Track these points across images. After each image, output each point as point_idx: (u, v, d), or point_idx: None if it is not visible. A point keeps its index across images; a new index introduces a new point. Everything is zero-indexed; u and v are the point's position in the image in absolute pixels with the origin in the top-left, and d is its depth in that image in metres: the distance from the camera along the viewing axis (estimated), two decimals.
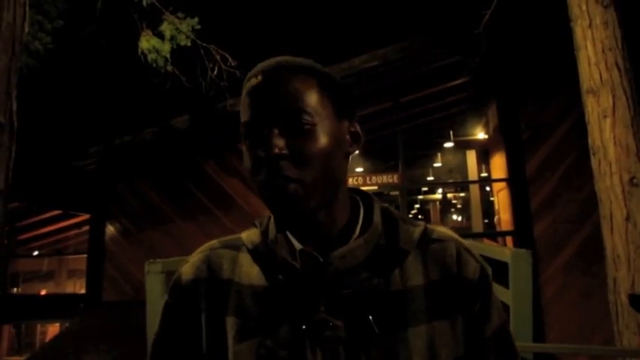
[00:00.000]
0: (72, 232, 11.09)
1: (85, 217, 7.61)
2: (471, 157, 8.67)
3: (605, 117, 2.72)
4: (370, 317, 0.63)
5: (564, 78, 4.54)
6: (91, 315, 5.96)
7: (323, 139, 0.63)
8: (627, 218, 2.64)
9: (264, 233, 0.72)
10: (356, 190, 0.75)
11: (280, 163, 0.61)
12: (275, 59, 0.68)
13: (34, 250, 12.29)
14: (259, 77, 0.65)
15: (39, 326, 12.92)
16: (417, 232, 0.71)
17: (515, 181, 5.52)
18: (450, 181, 10.74)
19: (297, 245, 0.67)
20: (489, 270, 0.74)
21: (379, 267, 0.66)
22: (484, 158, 8.62)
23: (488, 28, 4.14)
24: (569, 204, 5.13)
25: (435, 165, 10.82)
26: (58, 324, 9.86)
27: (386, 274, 0.66)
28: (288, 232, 0.69)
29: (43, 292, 11.98)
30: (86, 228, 7.79)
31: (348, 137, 0.69)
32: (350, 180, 6.84)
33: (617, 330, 2.70)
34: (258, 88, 0.65)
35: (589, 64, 2.80)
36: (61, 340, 5.56)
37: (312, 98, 0.64)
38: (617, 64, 2.72)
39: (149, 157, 6.11)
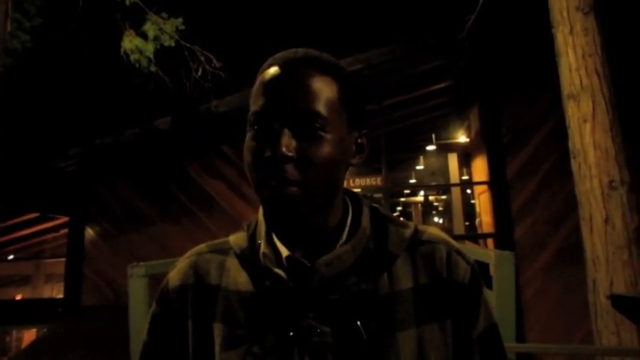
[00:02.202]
0: (50, 236, 10.82)
1: (64, 219, 7.44)
2: (453, 160, 8.77)
3: (585, 121, 2.78)
4: (358, 323, 0.62)
5: (544, 83, 4.62)
6: (70, 320, 5.83)
7: (331, 148, 0.61)
8: (606, 220, 2.69)
9: (252, 237, 0.71)
10: (346, 191, 0.73)
11: (286, 164, 0.59)
12: (302, 50, 0.66)
13: (10, 254, 11.97)
14: (281, 67, 0.63)
15: (14, 332, 12.58)
16: (407, 234, 0.70)
17: (496, 184, 5.60)
18: (433, 183, 10.84)
19: (284, 251, 0.66)
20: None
21: (367, 271, 0.65)
22: (465, 161, 8.73)
23: (471, 33, 4.20)
24: (549, 206, 5.22)
25: (418, 168, 10.92)
26: (34, 330, 9.60)
27: (374, 279, 0.65)
28: (275, 237, 0.68)
29: (18, 297, 11.66)
30: (64, 231, 7.61)
31: (353, 148, 0.68)
32: None
33: (596, 330, 2.75)
34: (278, 79, 0.62)
35: (570, 69, 2.85)
36: (37, 346, 5.43)
37: (331, 104, 0.63)
38: (596, 70, 2.78)
39: (131, 159, 6.02)
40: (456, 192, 9.06)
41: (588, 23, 2.81)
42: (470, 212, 9.70)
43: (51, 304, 7.81)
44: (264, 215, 0.70)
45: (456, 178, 8.84)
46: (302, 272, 0.64)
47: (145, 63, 4.41)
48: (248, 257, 0.69)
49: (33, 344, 5.79)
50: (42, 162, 5.88)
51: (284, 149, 0.59)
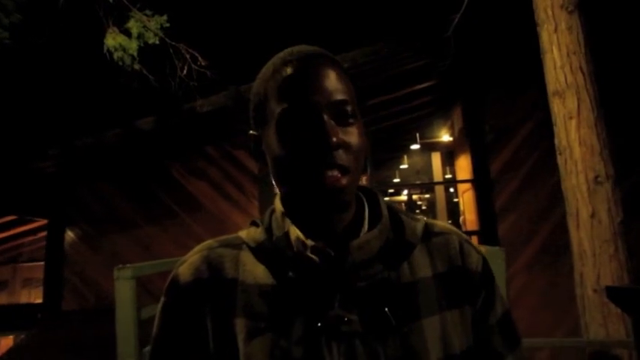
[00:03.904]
0: (27, 239, 10.57)
1: (42, 222, 7.26)
2: (436, 158, 8.85)
3: (570, 118, 2.83)
4: (386, 309, 0.62)
5: (527, 81, 4.72)
6: (50, 325, 5.69)
7: (361, 136, 0.65)
8: (592, 215, 2.75)
9: (268, 230, 0.70)
10: (359, 187, 0.76)
11: (337, 152, 0.61)
12: (311, 47, 0.68)
13: None
14: (308, 61, 0.65)
15: None
16: (420, 225, 0.72)
17: (480, 181, 5.67)
18: (417, 182, 10.93)
19: (309, 242, 0.65)
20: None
21: (390, 260, 0.66)
22: (449, 160, 8.82)
23: (456, 33, 4.24)
24: (532, 203, 5.30)
25: (402, 167, 10.99)
26: (11, 337, 9.35)
27: (396, 267, 0.66)
28: (295, 228, 0.67)
29: None
30: (43, 234, 7.44)
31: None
32: None
33: (584, 322, 2.81)
34: (306, 72, 0.64)
35: (555, 67, 2.91)
36: (15, 353, 5.28)
37: (353, 97, 0.66)
38: (581, 67, 2.84)
39: (112, 159, 5.90)
40: (439, 191, 9.14)
41: (572, 22, 2.87)
42: (453, 210, 9.81)
43: (29, 310, 7.61)
44: (301, 205, 0.68)
45: (440, 176, 8.92)
46: (330, 260, 0.64)
47: (128, 61, 4.32)
48: (267, 250, 0.68)
49: (10, 352, 5.62)
50: (20, 162, 5.72)
51: (334, 138, 0.61)
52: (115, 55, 4.28)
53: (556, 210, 4.72)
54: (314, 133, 0.62)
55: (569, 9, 2.87)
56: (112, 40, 4.19)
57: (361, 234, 0.67)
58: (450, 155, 8.58)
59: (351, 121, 0.64)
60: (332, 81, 0.64)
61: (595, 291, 2.71)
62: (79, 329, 4.94)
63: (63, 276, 5.99)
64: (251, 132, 0.73)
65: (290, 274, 0.65)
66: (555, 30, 2.90)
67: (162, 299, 0.70)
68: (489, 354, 0.69)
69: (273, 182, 0.73)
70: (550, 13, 2.93)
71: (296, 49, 0.68)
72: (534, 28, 3.10)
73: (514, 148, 5.46)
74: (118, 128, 5.34)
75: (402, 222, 0.71)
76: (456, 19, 4.00)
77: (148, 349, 2.50)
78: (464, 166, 6.88)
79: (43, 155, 5.47)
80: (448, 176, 9.77)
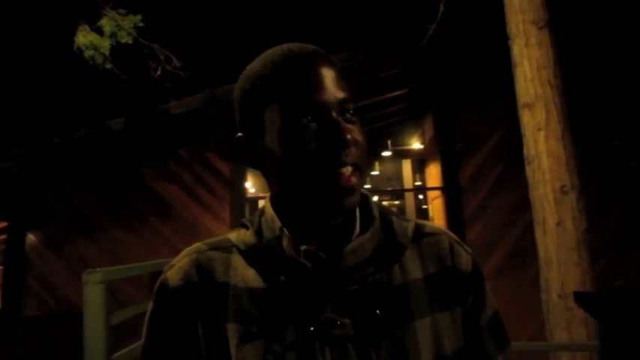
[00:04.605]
0: None
1: (2, 224, 6.96)
2: (407, 166, 9.00)
3: (539, 129, 2.94)
4: (378, 312, 0.63)
5: (496, 93, 4.86)
6: (11, 332, 5.45)
7: (363, 132, 0.66)
8: (558, 223, 2.85)
9: (258, 233, 0.69)
10: None
11: (349, 149, 0.61)
12: (308, 45, 0.68)
13: None
14: (307, 59, 0.64)
15: None
16: (410, 227, 0.72)
17: (450, 189, 5.79)
18: (389, 189, 11.06)
19: (301, 246, 0.65)
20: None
21: (381, 262, 0.66)
22: (419, 167, 8.97)
23: (429, 43, 4.34)
24: (499, 210, 5.45)
25: (373, 173, 11.12)
26: None
27: (387, 269, 0.66)
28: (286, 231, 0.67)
29: None
30: (2, 237, 7.12)
31: None
32: None
33: (549, 327, 2.90)
34: (312, 70, 0.63)
35: (525, 80, 3.01)
36: None
37: (351, 92, 0.66)
38: (549, 81, 2.95)
39: (80, 161, 5.72)
40: (409, 197, 9.28)
41: (542, 37, 2.98)
42: (423, 217, 9.97)
43: None
44: (305, 206, 0.66)
45: (410, 183, 9.07)
46: (323, 264, 0.64)
47: (100, 60, 4.20)
48: (258, 253, 0.67)
49: None
50: None
51: (348, 135, 0.61)
52: (86, 54, 4.15)
53: (523, 218, 4.87)
54: (329, 131, 0.61)
55: (540, 25, 2.99)
56: (83, 37, 4.07)
57: (353, 236, 0.67)
58: (420, 163, 8.73)
59: (354, 118, 0.65)
60: (335, 79, 0.64)
61: (560, 296, 2.81)
62: (42, 336, 4.75)
63: (24, 281, 5.76)
64: (239, 135, 0.70)
65: (282, 278, 0.64)
66: (526, 44, 3.01)
67: (151, 305, 0.68)
68: (480, 355, 0.70)
69: (266, 184, 0.72)
70: (521, 28, 3.03)
71: (293, 46, 0.66)
72: (505, 42, 3.20)
73: (483, 156, 5.60)
74: (88, 128, 5.19)
75: (392, 223, 0.71)
76: (431, 30, 4.09)
77: (117, 355, 2.44)
78: (434, 174, 7.01)
79: (6, 155, 5.26)
80: (418, 183, 9.94)
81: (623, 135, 4.92)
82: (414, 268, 0.68)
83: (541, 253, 2.95)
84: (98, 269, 2.41)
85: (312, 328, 0.61)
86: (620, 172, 4.92)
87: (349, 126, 0.63)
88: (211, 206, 5.66)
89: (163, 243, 5.58)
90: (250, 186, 7.54)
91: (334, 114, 0.62)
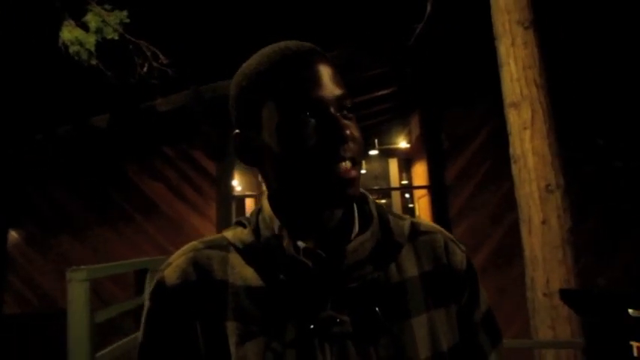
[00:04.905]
0: None
1: None
2: (393, 164, 9.04)
3: (525, 129, 2.97)
4: (377, 309, 0.63)
5: (482, 92, 4.90)
6: None
7: (359, 128, 0.67)
8: (544, 222, 2.89)
9: (256, 231, 0.69)
10: None
11: (347, 144, 0.62)
12: (305, 42, 0.68)
13: None
14: (306, 56, 0.65)
15: None
16: (407, 225, 0.73)
17: (436, 188, 5.83)
18: (376, 187, 11.12)
19: (300, 244, 0.65)
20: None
21: (379, 260, 0.67)
22: (406, 166, 9.03)
23: (416, 43, 4.36)
24: (484, 209, 5.51)
25: (361, 172, 11.16)
26: None
27: (384, 267, 0.67)
28: (285, 229, 0.67)
29: None
30: None
31: None
32: None
33: (534, 324, 2.94)
34: (311, 67, 0.64)
35: (511, 79, 3.04)
36: None
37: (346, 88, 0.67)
38: (535, 81, 2.98)
39: (64, 157, 5.62)
40: (395, 196, 9.33)
41: (528, 37, 3.01)
42: (409, 215, 10.02)
43: None
44: (304, 202, 0.67)
45: (397, 182, 9.11)
46: (322, 262, 0.64)
47: (85, 56, 4.13)
48: (256, 251, 0.67)
49: None
50: None
51: (347, 131, 0.62)
52: (71, 49, 4.08)
53: (508, 217, 4.92)
54: (328, 127, 0.62)
55: (525, 25, 3.02)
56: (68, 33, 4.00)
57: (352, 235, 0.67)
58: (407, 162, 8.78)
59: (351, 115, 0.66)
60: (333, 76, 0.65)
61: (545, 294, 2.84)
62: (23, 334, 4.67)
63: (5, 279, 5.65)
64: (236, 132, 0.71)
65: (281, 276, 0.64)
66: (512, 44, 3.04)
67: (148, 304, 0.67)
68: (474, 350, 0.71)
69: (264, 182, 0.72)
70: (507, 27, 3.06)
71: (290, 43, 0.67)
72: (491, 42, 3.23)
73: (469, 155, 5.65)
74: (71, 125, 5.10)
75: (388, 222, 0.71)
76: (418, 29, 4.11)
77: (101, 353, 2.41)
78: (420, 173, 7.05)
79: None
80: (405, 182, 10.00)
81: (608, 135, 5.00)
82: (410, 266, 0.69)
83: (527, 252, 2.99)
84: (82, 267, 2.38)
85: (311, 326, 0.61)
86: (604, 172, 5.00)
87: (347, 122, 0.64)
88: (197, 204, 5.61)
89: (148, 241, 5.52)
90: (237, 184, 7.50)
91: (332, 110, 0.63)
